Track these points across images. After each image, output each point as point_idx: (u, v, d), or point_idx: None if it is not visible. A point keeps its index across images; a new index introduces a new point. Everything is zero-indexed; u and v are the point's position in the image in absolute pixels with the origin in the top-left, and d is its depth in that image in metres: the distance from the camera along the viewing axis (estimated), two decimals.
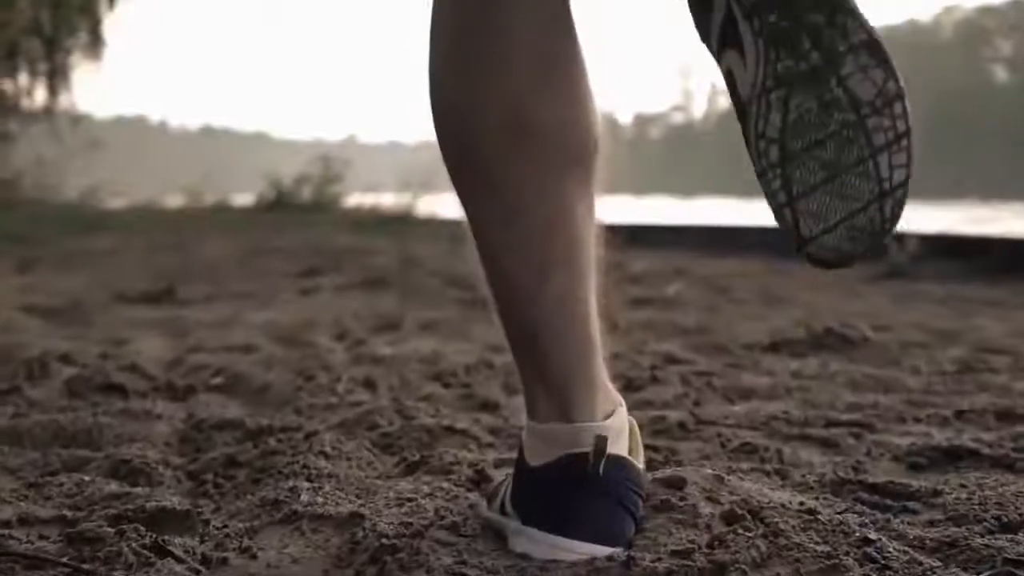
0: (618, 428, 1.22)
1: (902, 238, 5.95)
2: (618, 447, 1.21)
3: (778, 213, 1.13)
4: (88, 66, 15.09)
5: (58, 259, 6.37)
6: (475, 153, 1.18)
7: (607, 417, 1.22)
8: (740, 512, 1.23)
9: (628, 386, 2.13)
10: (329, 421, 1.78)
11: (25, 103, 14.82)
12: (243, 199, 13.60)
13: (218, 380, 2.21)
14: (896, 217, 1.12)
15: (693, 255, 6.34)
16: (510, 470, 1.47)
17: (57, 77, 15.20)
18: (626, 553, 1.14)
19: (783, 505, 1.30)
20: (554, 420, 1.21)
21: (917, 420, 1.93)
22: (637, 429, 1.29)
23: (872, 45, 1.11)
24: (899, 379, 2.33)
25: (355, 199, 12.61)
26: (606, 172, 1.24)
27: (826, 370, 2.41)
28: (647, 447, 1.56)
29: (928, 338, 3.03)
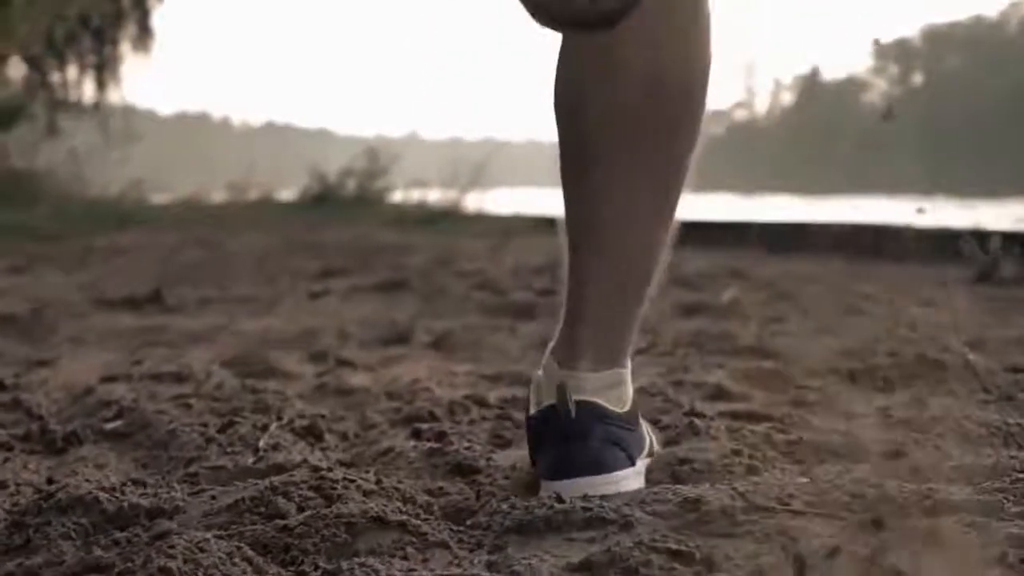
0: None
1: (983, 236, 5.34)
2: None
3: None
4: (137, 58, 14.89)
5: (69, 256, 5.96)
6: None
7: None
8: None
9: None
10: (218, 501, 1.23)
11: (73, 96, 14.63)
12: (291, 194, 13.19)
13: (115, 424, 1.67)
14: None
15: (755, 255, 5.76)
16: None
17: (105, 70, 15.01)
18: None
19: None
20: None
21: None
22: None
23: None
24: (1021, 426, 1.75)
25: (403, 194, 12.11)
26: None
27: (923, 412, 1.82)
28: (671, 552, 1.04)
29: None
